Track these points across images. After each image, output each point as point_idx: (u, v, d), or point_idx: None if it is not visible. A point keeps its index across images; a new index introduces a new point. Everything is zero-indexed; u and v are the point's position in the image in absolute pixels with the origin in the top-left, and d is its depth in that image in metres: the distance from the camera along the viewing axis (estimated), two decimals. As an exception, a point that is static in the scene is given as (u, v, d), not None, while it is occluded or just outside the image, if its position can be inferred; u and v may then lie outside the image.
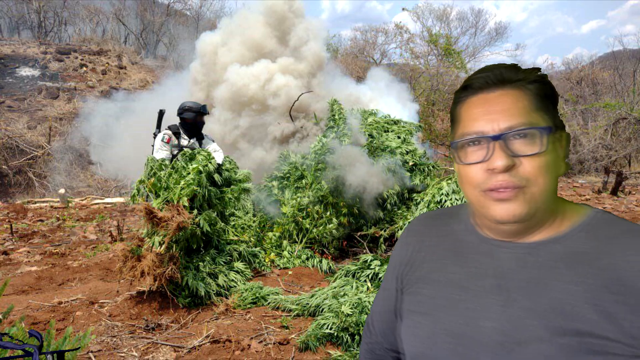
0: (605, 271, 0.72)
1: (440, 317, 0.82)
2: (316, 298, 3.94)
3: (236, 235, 5.25)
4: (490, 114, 0.77)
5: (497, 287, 0.79)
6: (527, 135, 0.75)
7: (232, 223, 5.39)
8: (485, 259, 0.82)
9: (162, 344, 3.39)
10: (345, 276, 4.54)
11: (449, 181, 5.43)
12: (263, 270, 5.02)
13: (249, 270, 4.79)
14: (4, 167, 11.55)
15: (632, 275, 0.71)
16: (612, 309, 0.70)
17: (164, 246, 3.86)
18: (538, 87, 0.78)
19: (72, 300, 4.19)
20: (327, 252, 5.66)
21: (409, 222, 1.01)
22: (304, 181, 5.98)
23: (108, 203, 10.30)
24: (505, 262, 0.80)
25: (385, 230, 5.68)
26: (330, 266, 5.24)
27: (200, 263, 4.32)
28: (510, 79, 0.78)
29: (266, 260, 5.21)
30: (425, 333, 0.83)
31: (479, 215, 0.84)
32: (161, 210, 4.01)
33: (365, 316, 3.31)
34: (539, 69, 0.81)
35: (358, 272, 4.52)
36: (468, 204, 0.89)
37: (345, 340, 3.32)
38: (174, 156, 5.02)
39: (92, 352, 3.21)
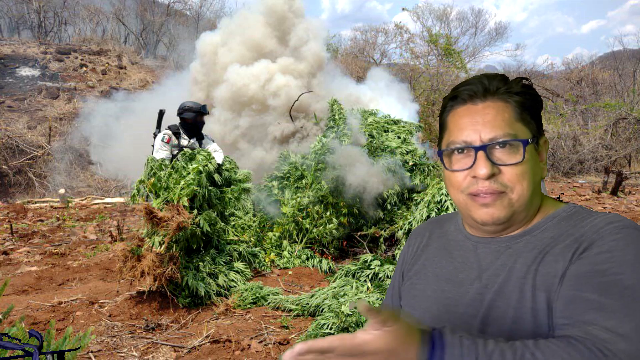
0: (562, 243, 0.80)
1: (428, 307, 0.93)
2: (316, 298, 3.94)
3: (236, 235, 5.25)
4: (476, 125, 0.83)
5: (477, 278, 0.87)
6: (508, 145, 0.82)
7: (232, 223, 5.39)
8: (468, 254, 0.92)
9: (162, 344, 3.39)
10: (345, 276, 4.53)
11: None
12: (263, 270, 5.02)
13: (249, 270, 4.78)
14: (4, 167, 11.54)
15: (581, 238, 0.78)
16: (560, 268, 0.77)
17: (164, 246, 3.85)
18: (521, 98, 0.84)
19: (72, 300, 4.18)
20: (327, 252, 5.66)
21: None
22: (304, 181, 5.98)
23: (108, 203, 10.29)
24: (485, 256, 0.89)
25: (385, 231, 5.67)
26: (330, 266, 5.24)
27: (200, 263, 4.32)
28: (494, 91, 0.84)
29: (266, 260, 5.21)
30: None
31: (465, 216, 0.92)
32: (161, 210, 4.01)
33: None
34: (524, 79, 0.87)
35: (358, 272, 4.52)
36: None
37: (345, 340, 3.31)
38: (174, 156, 5.01)
39: (92, 352, 3.21)
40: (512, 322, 0.79)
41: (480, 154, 0.82)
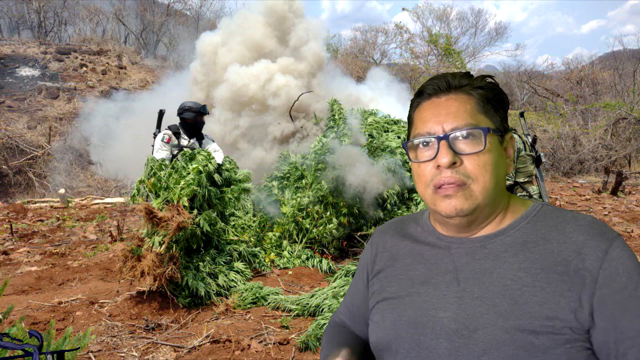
0: (550, 255, 0.80)
1: (403, 311, 0.90)
2: (316, 298, 3.94)
3: (236, 235, 5.24)
4: (438, 116, 0.85)
5: (454, 280, 0.86)
6: (470, 135, 0.83)
7: (232, 223, 5.38)
8: (442, 256, 0.90)
9: (162, 344, 3.39)
10: (345, 276, 4.53)
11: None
12: (263, 270, 5.02)
13: (249, 270, 4.78)
14: (4, 167, 11.54)
15: (572, 254, 0.79)
16: (557, 288, 0.77)
17: (164, 246, 3.85)
18: (483, 92, 0.86)
19: (72, 300, 4.18)
20: (327, 252, 5.66)
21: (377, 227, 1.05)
22: (304, 181, 5.97)
23: (108, 203, 10.29)
24: (459, 257, 0.88)
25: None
26: (330, 266, 5.24)
27: (200, 263, 4.32)
28: (457, 85, 0.86)
29: (266, 260, 5.21)
30: (388, 325, 0.91)
31: (432, 212, 0.92)
32: (161, 210, 4.01)
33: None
34: (488, 76, 0.89)
35: (358, 272, 4.51)
36: (426, 209, 0.99)
37: (345, 340, 3.31)
38: (174, 156, 5.01)
39: (92, 352, 3.21)
40: (504, 332, 0.77)
41: (443, 143, 0.82)
